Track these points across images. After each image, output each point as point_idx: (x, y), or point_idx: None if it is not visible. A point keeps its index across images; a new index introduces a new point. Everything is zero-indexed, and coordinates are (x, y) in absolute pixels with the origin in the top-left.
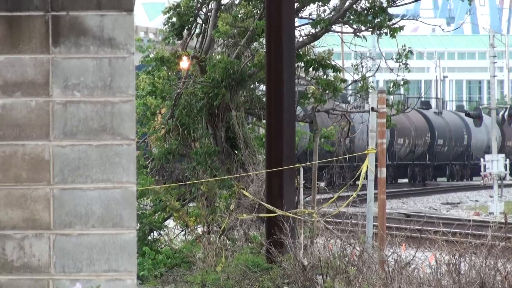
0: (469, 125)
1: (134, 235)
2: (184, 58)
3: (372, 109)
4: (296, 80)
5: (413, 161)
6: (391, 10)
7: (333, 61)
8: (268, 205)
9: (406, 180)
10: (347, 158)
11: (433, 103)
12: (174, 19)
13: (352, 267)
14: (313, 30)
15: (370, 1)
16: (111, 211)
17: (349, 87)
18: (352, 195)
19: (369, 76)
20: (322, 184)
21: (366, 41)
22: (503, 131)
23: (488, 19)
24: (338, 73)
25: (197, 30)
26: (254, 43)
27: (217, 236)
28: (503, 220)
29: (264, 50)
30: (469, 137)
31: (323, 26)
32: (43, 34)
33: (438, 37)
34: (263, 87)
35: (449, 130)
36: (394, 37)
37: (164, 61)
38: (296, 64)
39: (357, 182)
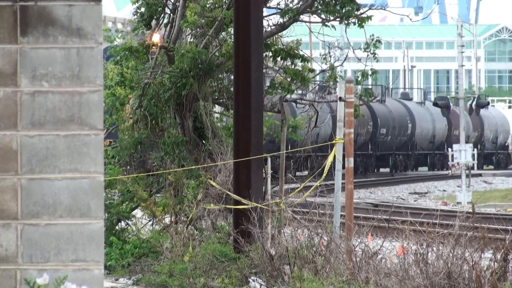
0: (413, 113)
1: (102, 225)
2: (156, 35)
3: (340, 98)
4: (264, 70)
5: (355, 151)
6: (359, 0)
7: (301, 50)
8: (235, 196)
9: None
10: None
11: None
12: (142, 9)
13: (320, 257)
14: (281, 20)
15: None
16: (78, 201)
17: (317, 77)
18: (319, 185)
19: (337, 66)
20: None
21: (335, 30)
22: (449, 120)
23: (456, 8)
24: (306, 63)
25: (166, 20)
26: (222, 33)
27: (185, 226)
28: (470, 210)
29: (232, 40)
30: (413, 126)
31: (291, 15)
32: (11, 24)
33: (406, 27)
34: (231, 77)
35: (393, 119)
36: (362, 27)
37: (133, 51)
38: (264, 54)
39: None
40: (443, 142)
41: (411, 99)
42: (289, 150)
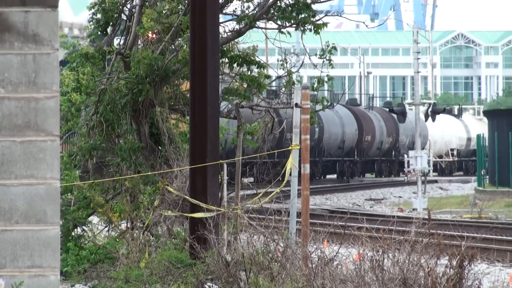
0: (321, 117)
1: (58, 231)
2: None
3: (296, 105)
4: (220, 76)
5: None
6: (315, 6)
7: (257, 57)
8: (194, 200)
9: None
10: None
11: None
12: (99, 15)
13: (276, 263)
14: (237, 26)
15: None
16: (34, 207)
17: (273, 83)
18: (276, 191)
19: (293, 72)
20: (246, 180)
21: (291, 36)
22: (361, 124)
23: (412, 15)
24: (262, 69)
25: (122, 26)
26: (179, 39)
27: (141, 232)
28: (426, 216)
29: (189, 46)
30: (321, 131)
31: (247, 22)
32: None
33: (362, 33)
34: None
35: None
36: (318, 33)
37: (89, 57)
38: (220, 60)
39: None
40: (353, 147)
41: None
42: (245, 157)
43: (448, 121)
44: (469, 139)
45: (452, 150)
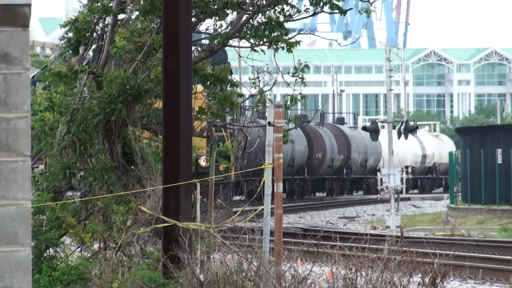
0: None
1: (29, 252)
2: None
3: (269, 123)
4: (193, 95)
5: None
6: (288, 25)
7: (230, 75)
8: (168, 219)
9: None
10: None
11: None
12: (70, 34)
13: (249, 282)
14: (210, 45)
15: (266, 16)
16: (5, 228)
17: (246, 102)
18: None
19: (266, 91)
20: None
21: (264, 54)
22: (311, 141)
23: (385, 33)
24: (235, 88)
25: (94, 46)
26: (151, 58)
27: (114, 252)
28: (399, 234)
29: (161, 65)
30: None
31: (220, 40)
32: None
33: (335, 51)
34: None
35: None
36: (291, 51)
37: (61, 77)
38: (193, 79)
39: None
40: (303, 165)
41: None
42: (218, 176)
43: (402, 138)
44: (424, 156)
45: (406, 167)
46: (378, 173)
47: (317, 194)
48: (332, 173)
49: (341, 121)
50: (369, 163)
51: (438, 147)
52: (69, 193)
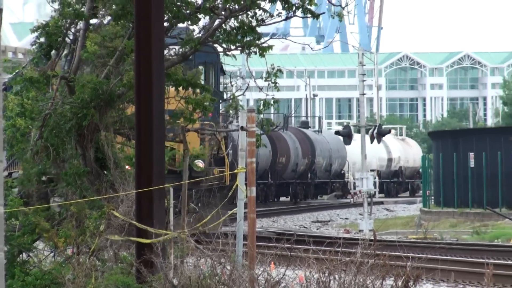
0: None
1: (2, 257)
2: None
3: (242, 128)
4: (165, 100)
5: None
6: (260, 29)
7: (203, 80)
8: (141, 225)
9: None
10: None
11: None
12: (42, 39)
13: (223, 286)
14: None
15: (239, 21)
16: None
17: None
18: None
19: (239, 95)
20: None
21: (236, 60)
22: (275, 145)
23: (358, 37)
24: (208, 93)
25: (66, 50)
26: (123, 63)
27: (87, 257)
28: (372, 238)
29: (133, 70)
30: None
31: (193, 45)
32: None
33: (308, 56)
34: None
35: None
36: (264, 56)
37: (33, 82)
38: (165, 84)
39: (235, 202)
40: (267, 170)
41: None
42: (191, 180)
43: (368, 142)
44: (390, 160)
45: (372, 171)
46: (352, 177)
47: (281, 199)
48: (296, 178)
49: (305, 125)
50: (333, 167)
51: (404, 151)
52: (56, 199)
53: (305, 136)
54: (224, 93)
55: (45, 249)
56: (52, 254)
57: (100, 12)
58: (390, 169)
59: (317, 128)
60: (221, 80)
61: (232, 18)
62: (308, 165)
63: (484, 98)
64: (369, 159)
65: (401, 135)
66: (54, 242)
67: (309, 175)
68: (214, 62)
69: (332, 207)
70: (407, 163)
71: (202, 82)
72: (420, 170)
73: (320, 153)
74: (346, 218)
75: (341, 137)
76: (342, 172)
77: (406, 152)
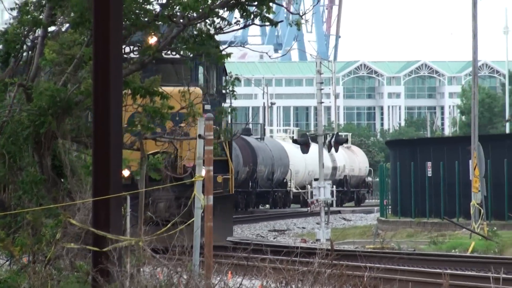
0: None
1: None
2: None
3: (200, 136)
4: (123, 107)
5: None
6: (219, 37)
7: (160, 88)
8: (99, 232)
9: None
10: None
11: None
12: (0, 46)
13: None
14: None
15: (197, 29)
16: None
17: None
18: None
19: (197, 103)
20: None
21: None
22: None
23: (315, 45)
24: (166, 100)
25: (24, 58)
26: (81, 71)
27: (43, 265)
28: (329, 247)
29: (91, 78)
30: None
31: (150, 53)
32: None
33: (266, 64)
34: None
35: None
36: (222, 64)
37: None
38: (123, 91)
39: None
40: None
41: None
42: (148, 188)
43: (312, 150)
44: (334, 169)
45: (316, 180)
46: (309, 186)
47: None
48: (236, 186)
49: (247, 131)
50: (276, 176)
51: (349, 159)
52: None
53: (246, 143)
54: (227, 95)
55: (1, 257)
56: (7, 263)
57: (59, 19)
58: (335, 178)
59: (269, 135)
60: (223, 80)
61: (191, 26)
62: (249, 173)
63: (442, 108)
64: (312, 168)
65: (346, 142)
66: (10, 250)
67: (250, 184)
68: (216, 62)
69: (289, 216)
70: (352, 171)
71: (202, 83)
72: (366, 179)
73: (262, 161)
74: (303, 228)
75: (283, 145)
76: (285, 181)
77: (352, 160)
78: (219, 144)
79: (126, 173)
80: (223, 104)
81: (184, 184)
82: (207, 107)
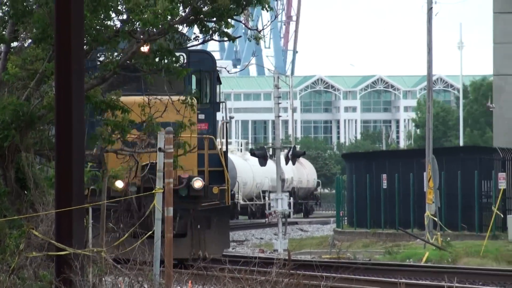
0: None
1: None
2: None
3: (160, 149)
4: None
5: None
6: (178, 52)
7: (121, 102)
8: (59, 244)
9: None
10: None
11: None
12: None
13: None
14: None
15: (157, 44)
16: None
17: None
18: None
19: (157, 117)
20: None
21: (153, 83)
22: None
23: (273, 60)
24: (127, 114)
25: None
26: (44, 85)
27: (7, 275)
28: (287, 257)
29: (54, 92)
30: None
31: (111, 68)
32: None
33: (225, 79)
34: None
35: None
36: (181, 79)
37: None
38: (85, 106)
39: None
40: None
41: None
42: (110, 200)
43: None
44: (282, 180)
45: (264, 192)
46: (266, 198)
47: None
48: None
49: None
50: None
51: (297, 171)
52: None
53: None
54: (221, 104)
55: None
56: None
57: (21, 35)
58: (283, 190)
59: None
60: (218, 90)
61: (151, 42)
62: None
63: (397, 121)
64: (260, 180)
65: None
66: None
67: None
68: (209, 70)
69: (248, 227)
70: (300, 183)
71: (194, 92)
72: (315, 191)
73: None
74: (261, 238)
75: (231, 157)
76: (232, 192)
77: (300, 172)
78: (215, 155)
79: (120, 184)
80: (217, 113)
81: (177, 196)
82: (201, 116)
